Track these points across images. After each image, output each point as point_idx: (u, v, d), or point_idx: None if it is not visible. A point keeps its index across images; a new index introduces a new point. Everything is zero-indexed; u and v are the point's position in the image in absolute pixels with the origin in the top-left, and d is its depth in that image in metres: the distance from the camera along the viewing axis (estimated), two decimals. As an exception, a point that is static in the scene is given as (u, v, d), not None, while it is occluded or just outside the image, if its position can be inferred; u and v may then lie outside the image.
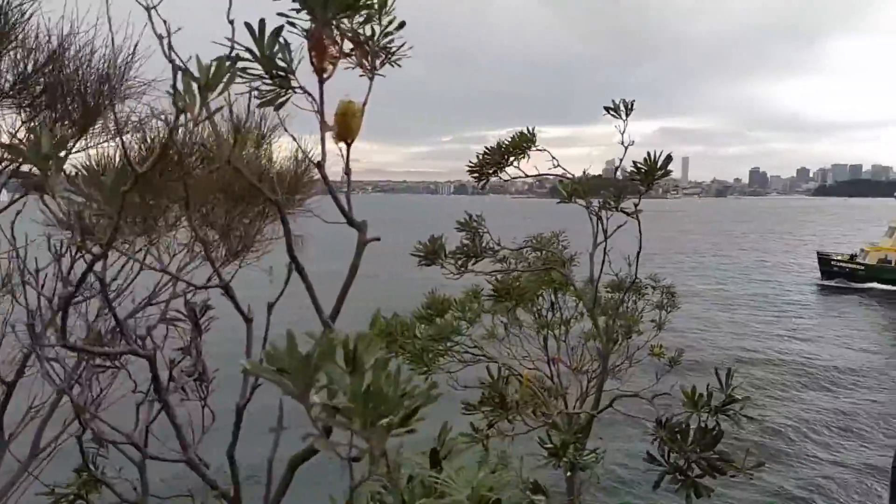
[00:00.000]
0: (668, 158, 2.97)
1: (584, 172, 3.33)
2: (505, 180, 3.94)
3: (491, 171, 4.01)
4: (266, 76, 1.63)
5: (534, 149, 4.01)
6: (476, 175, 4.06)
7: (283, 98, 1.66)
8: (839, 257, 57.99)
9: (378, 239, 1.54)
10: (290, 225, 1.75)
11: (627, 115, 3.41)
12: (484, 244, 4.05)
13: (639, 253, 3.44)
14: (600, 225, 3.31)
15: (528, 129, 3.89)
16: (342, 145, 1.57)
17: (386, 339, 4.08)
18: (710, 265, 71.60)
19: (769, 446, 20.57)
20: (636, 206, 3.02)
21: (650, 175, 2.88)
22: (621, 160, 3.24)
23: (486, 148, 3.95)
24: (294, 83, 1.66)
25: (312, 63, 1.52)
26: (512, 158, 4.03)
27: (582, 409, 4.28)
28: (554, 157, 3.92)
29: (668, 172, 2.90)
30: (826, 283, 56.41)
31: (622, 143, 3.48)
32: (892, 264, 53.67)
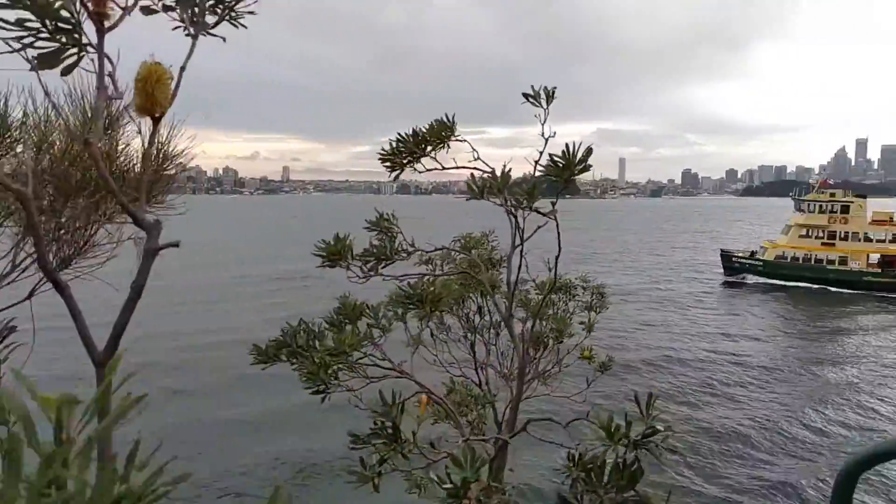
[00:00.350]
0: (588, 151, 2.65)
1: (503, 167, 2.94)
2: (420, 172, 3.54)
3: (405, 162, 3.61)
4: (43, 29, 1.21)
5: (453, 139, 3.63)
6: (389, 165, 3.66)
7: (71, 57, 1.24)
8: (740, 254, 61.04)
9: (176, 245, 1.13)
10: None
11: (548, 102, 3.08)
12: (396, 245, 3.65)
13: (557, 257, 3.12)
14: (517, 225, 2.96)
15: (446, 117, 3.53)
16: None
17: (285, 350, 3.66)
18: (645, 264, 74.01)
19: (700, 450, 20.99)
20: (554, 204, 2.67)
21: (568, 170, 2.55)
22: (541, 153, 2.88)
23: (400, 135, 3.55)
24: (85, 40, 1.24)
25: (85, 6, 1.11)
26: (430, 149, 3.64)
27: (490, 436, 3.92)
28: (474, 150, 3.57)
29: (587, 167, 2.58)
30: (728, 278, 59.12)
31: (542, 134, 3.15)
32: (788, 260, 57.08)
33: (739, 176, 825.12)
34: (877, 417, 25.04)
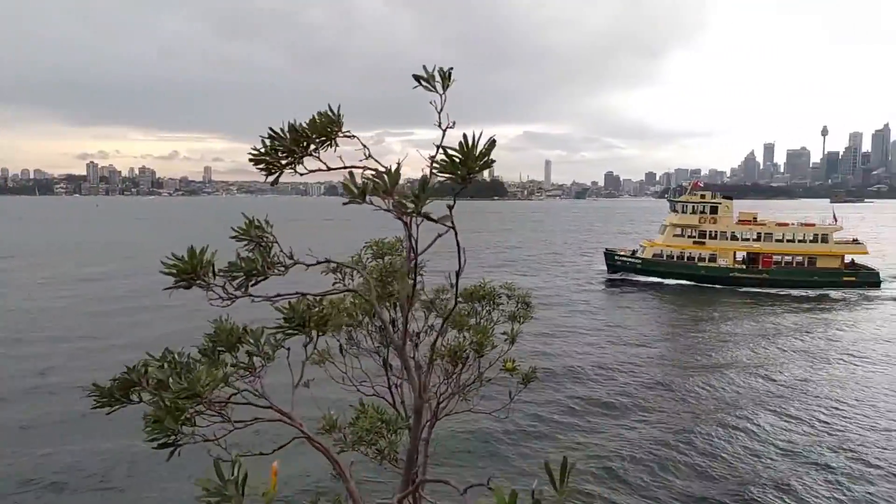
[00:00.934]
0: (491, 143, 2.13)
1: (397, 164, 2.38)
2: (301, 174, 2.95)
3: (284, 164, 3.00)
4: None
5: (341, 135, 3.04)
6: (263, 168, 3.04)
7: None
8: (622, 253, 64.50)
9: None
10: None
11: (445, 86, 2.55)
12: (272, 257, 3.04)
13: (459, 273, 2.62)
14: (410, 234, 2.43)
15: (330, 110, 2.94)
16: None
17: (138, 390, 3.00)
18: (546, 264, 76.12)
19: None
20: (451, 207, 2.15)
21: (466, 165, 2.02)
22: (438, 147, 2.35)
23: (273, 132, 2.95)
24: None
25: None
26: (312, 147, 3.04)
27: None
28: (365, 146, 3.00)
29: (489, 163, 2.06)
30: (611, 276, 62.34)
31: (439, 124, 2.63)
32: (664, 258, 61.00)
33: (658, 178, 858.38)
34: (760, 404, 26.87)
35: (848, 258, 58.37)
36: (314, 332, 3.04)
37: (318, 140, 3.09)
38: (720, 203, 60.69)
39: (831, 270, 56.83)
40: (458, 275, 2.62)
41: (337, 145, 3.15)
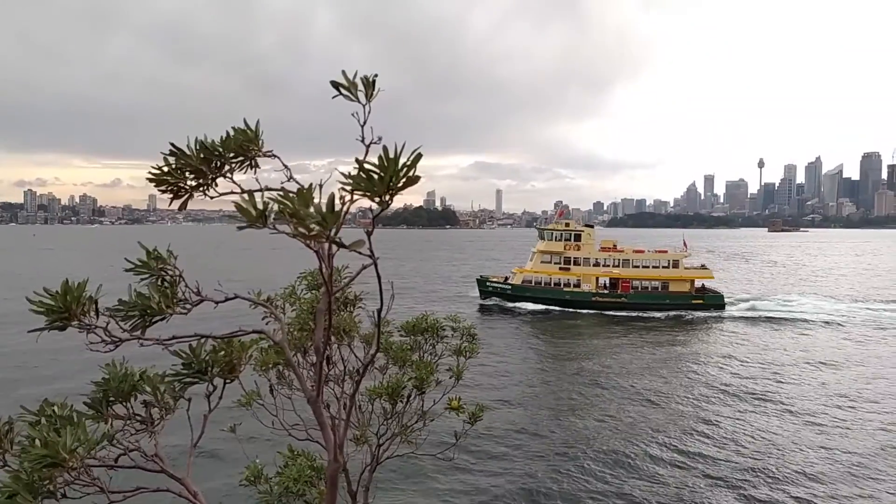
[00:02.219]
0: (417, 156, 1.79)
1: (309, 186, 2.01)
2: (212, 198, 2.54)
3: (194, 185, 2.59)
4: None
5: (261, 154, 2.65)
6: (166, 189, 2.63)
7: None
8: (494, 279, 66.96)
9: None
10: None
11: (369, 95, 2.22)
12: (179, 293, 2.62)
13: (380, 311, 2.26)
14: (324, 263, 2.06)
15: (247, 125, 2.55)
16: None
17: None
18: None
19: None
20: (369, 233, 1.80)
21: (386, 183, 1.68)
22: (359, 164, 2.01)
23: (175, 148, 2.56)
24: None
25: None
26: (227, 168, 2.64)
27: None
28: (286, 167, 2.64)
29: (414, 179, 1.73)
30: (483, 302, 64.64)
31: (362, 139, 2.29)
32: (532, 284, 63.71)
33: (605, 208, 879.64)
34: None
35: (699, 282, 63.09)
36: (216, 380, 2.60)
37: (233, 159, 2.72)
38: (583, 231, 64.47)
39: (682, 294, 61.09)
40: (379, 315, 2.26)
41: (257, 166, 2.78)
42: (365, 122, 2.39)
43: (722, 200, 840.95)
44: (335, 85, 2.28)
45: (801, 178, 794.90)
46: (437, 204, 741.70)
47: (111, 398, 2.91)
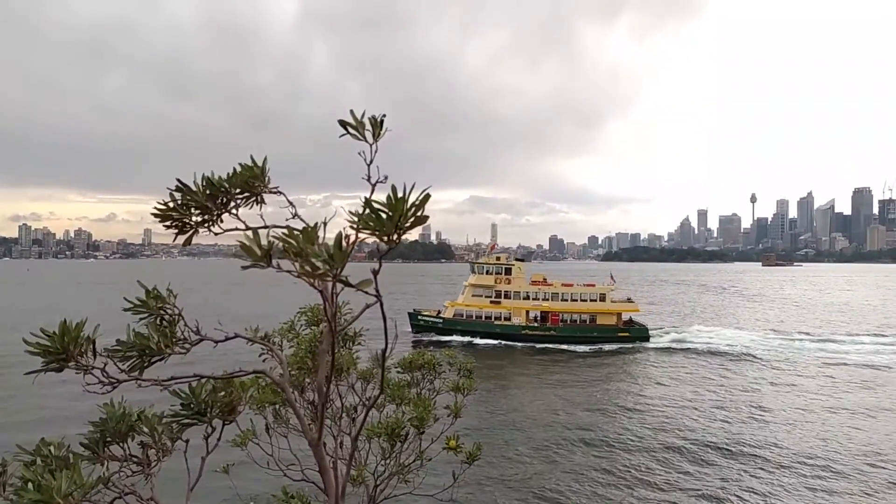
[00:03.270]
0: (425, 197, 1.80)
1: (314, 225, 2.01)
2: (216, 233, 2.52)
3: (199, 221, 2.58)
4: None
5: (267, 191, 2.66)
6: (169, 225, 2.61)
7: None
8: (427, 313, 66.83)
9: None
10: None
11: (376, 135, 2.24)
12: (179, 333, 2.60)
13: (384, 353, 2.23)
14: (328, 300, 2.04)
15: (254, 162, 2.56)
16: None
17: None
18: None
19: None
20: (376, 273, 1.79)
21: (394, 222, 1.68)
22: (366, 202, 2.01)
23: (182, 185, 2.55)
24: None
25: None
26: (232, 204, 2.64)
27: None
28: (291, 204, 2.63)
29: (422, 218, 1.72)
30: (415, 336, 63.67)
31: (368, 178, 2.31)
32: (464, 317, 64.23)
33: (600, 242, 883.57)
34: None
35: (626, 315, 64.74)
36: (214, 421, 2.55)
37: (239, 195, 2.72)
38: (513, 265, 65.27)
39: (609, 327, 62.24)
40: (384, 356, 2.23)
41: (263, 202, 2.78)
42: (371, 161, 2.40)
43: (716, 235, 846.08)
44: (343, 124, 2.29)
45: (793, 212, 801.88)
46: (433, 238, 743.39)
47: (108, 438, 2.85)
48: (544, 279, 66.13)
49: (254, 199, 2.76)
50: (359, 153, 2.40)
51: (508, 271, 64.45)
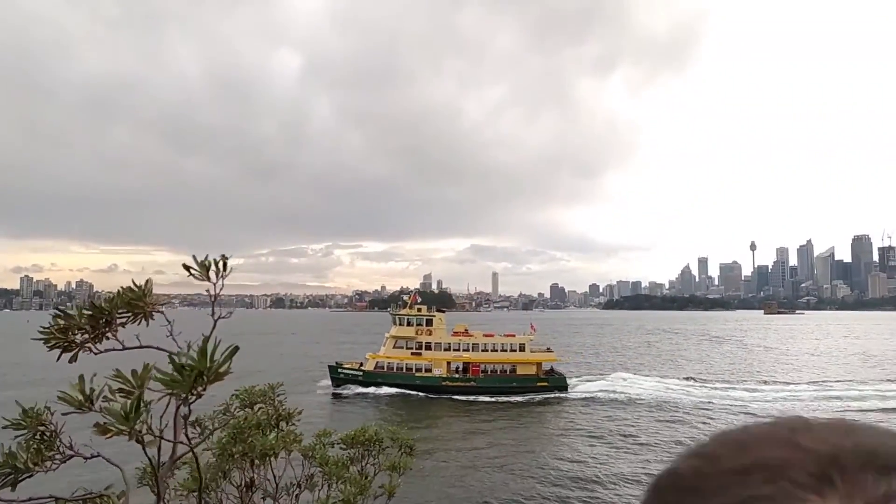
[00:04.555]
0: (234, 350, 2.06)
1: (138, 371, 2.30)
2: (97, 353, 2.80)
3: (82, 340, 2.85)
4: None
5: (156, 308, 2.94)
6: (55, 346, 2.88)
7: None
8: (348, 366, 65.65)
9: None
10: None
11: (220, 275, 2.50)
12: (56, 446, 2.85)
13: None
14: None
15: (135, 284, 2.87)
16: None
17: None
18: None
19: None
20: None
21: (194, 378, 1.93)
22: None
23: (61, 312, 2.84)
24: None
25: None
26: (118, 322, 2.92)
27: None
28: (169, 322, 2.95)
29: (224, 373, 1.98)
30: (336, 389, 62.41)
31: (212, 313, 2.60)
32: (385, 369, 63.54)
33: (601, 290, 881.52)
34: None
35: (547, 365, 65.17)
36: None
37: (123, 314, 2.97)
38: (434, 316, 65.53)
39: (528, 377, 62.50)
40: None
41: (150, 318, 3.03)
42: (215, 299, 2.66)
43: (717, 282, 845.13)
44: (186, 267, 2.57)
45: (793, 260, 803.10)
46: (434, 287, 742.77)
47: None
48: (466, 330, 66.48)
49: (140, 317, 3.03)
50: (205, 291, 2.67)
51: (430, 322, 64.71)
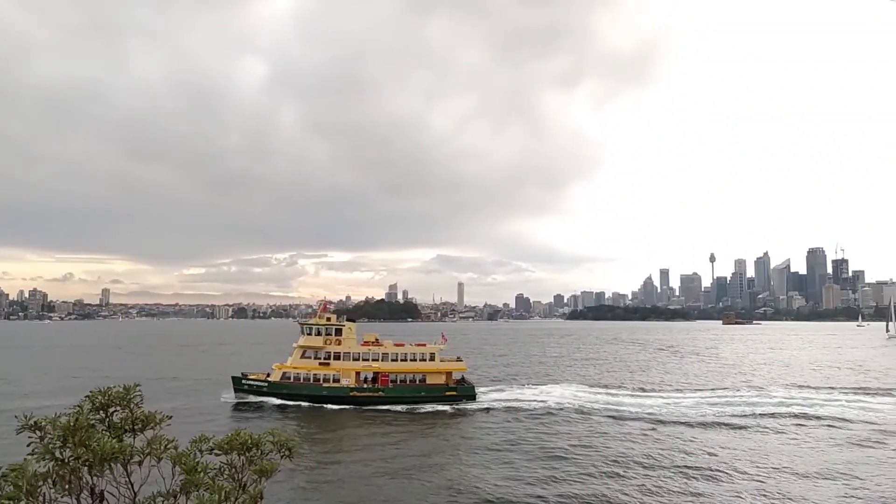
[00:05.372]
0: None
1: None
2: None
3: None
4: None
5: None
6: None
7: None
8: (253, 376, 64.30)
9: None
10: None
11: None
12: None
13: None
14: None
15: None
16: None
17: None
18: None
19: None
20: None
21: None
22: None
23: None
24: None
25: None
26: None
27: None
28: None
29: None
30: (239, 400, 61.66)
31: None
32: (291, 380, 62.54)
33: (566, 300, 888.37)
34: None
35: (458, 374, 65.50)
36: None
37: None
38: (344, 325, 64.76)
39: (437, 386, 62.62)
40: None
41: None
42: None
43: (677, 293, 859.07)
44: None
45: (751, 272, 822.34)
46: (400, 297, 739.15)
47: None
48: (376, 339, 65.96)
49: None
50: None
51: (339, 332, 63.93)
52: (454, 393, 61.99)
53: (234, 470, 6.57)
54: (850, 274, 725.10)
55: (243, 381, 62.99)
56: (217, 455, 6.65)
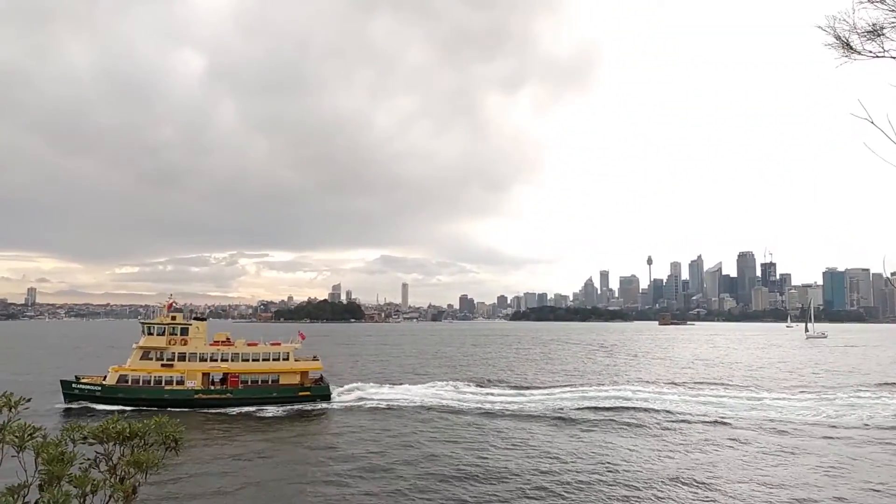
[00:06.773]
0: None
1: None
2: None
3: None
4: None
5: None
6: None
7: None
8: (86, 380, 59.47)
9: None
10: None
11: None
12: None
13: None
14: None
15: None
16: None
17: None
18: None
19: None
20: None
21: None
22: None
23: None
24: None
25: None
26: None
27: None
28: None
29: None
30: (69, 405, 56.27)
31: None
32: (129, 383, 57.73)
33: (509, 301, 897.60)
34: None
35: (317, 374, 64.39)
36: None
37: None
38: (191, 324, 61.44)
39: (290, 386, 60.53)
40: None
41: None
42: None
43: (617, 295, 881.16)
44: None
45: (685, 274, 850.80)
46: (343, 297, 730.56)
47: None
48: (227, 338, 62.78)
49: None
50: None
51: (185, 331, 60.11)
52: (307, 393, 60.12)
53: (110, 461, 5.92)
54: (778, 277, 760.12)
55: (74, 385, 57.44)
56: (91, 444, 5.99)
